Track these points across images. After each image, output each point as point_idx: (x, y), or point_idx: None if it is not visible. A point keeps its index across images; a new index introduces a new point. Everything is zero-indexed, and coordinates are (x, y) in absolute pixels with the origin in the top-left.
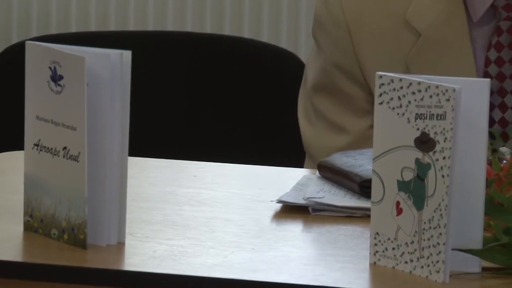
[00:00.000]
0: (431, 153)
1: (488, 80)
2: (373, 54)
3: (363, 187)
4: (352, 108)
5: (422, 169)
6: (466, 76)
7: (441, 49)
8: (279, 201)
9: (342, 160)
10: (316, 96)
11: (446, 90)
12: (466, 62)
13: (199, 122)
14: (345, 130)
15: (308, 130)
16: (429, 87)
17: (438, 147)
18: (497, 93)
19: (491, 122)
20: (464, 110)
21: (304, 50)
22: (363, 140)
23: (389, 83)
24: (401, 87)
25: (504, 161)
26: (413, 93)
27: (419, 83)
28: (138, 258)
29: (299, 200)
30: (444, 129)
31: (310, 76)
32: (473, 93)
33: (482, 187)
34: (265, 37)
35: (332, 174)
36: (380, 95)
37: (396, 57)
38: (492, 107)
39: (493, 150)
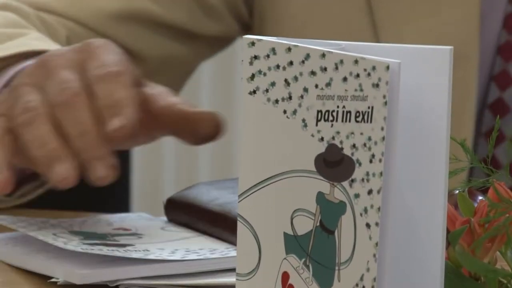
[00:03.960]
0: (345, 184)
1: (450, 48)
2: None
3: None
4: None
5: (330, 214)
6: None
7: None
8: None
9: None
10: None
11: (373, 68)
12: None
13: None
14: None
15: None
16: (341, 61)
17: (358, 173)
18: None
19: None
20: (408, 104)
21: None
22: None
23: (267, 56)
24: (291, 63)
25: (480, 197)
26: (313, 73)
27: (323, 54)
28: None
29: None
30: (369, 139)
31: None
32: (425, 73)
33: (440, 246)
34: None
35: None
36: (252, 77)
37: None
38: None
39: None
